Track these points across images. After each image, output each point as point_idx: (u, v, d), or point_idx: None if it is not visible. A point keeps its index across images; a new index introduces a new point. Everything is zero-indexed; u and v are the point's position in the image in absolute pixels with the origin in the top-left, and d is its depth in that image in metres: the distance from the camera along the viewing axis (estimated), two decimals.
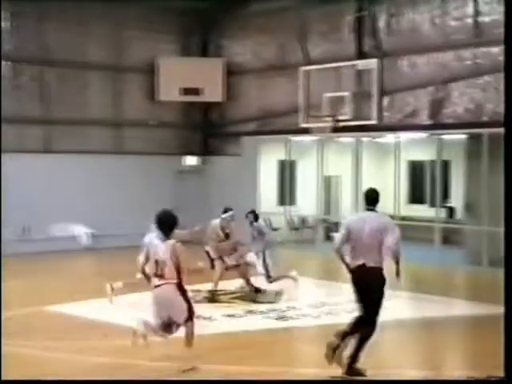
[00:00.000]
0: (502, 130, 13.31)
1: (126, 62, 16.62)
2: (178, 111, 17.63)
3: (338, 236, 6.44)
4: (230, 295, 10.21)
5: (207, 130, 18.19)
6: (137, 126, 16.84)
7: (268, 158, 17.41)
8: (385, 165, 18.38)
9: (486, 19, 12.92)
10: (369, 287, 6.30)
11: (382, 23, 14.54)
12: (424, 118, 14.05)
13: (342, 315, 9.22)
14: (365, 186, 15.51)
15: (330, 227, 18.40)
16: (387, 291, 8.50)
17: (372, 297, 6.32)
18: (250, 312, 9.21)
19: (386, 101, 14.50)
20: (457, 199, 16.74)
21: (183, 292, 6.48)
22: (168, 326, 6.50)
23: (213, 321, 8.75)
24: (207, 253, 10.36)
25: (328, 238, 18.05)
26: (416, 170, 18.92)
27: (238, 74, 17.19)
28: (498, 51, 12.73)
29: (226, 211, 10.68)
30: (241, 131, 17.33)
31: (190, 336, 6.52)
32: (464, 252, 14.01)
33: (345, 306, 9.71)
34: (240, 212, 16.23)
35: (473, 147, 13.91)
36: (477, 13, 13.00)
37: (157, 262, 6.40)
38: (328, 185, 18.17)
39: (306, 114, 14.91)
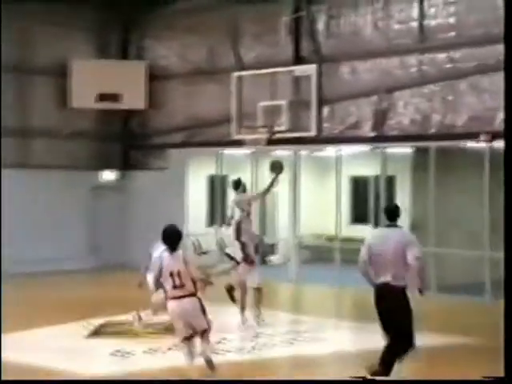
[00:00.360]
0: (449, 144, 13.67)
1: (33, 63, 16.17)
2: (94, 120, 17.29)
3: (360, 254, 6.87)
4: (155, 326, 9.94)
5: (127, 141, 17.91)
6: (46, 137, 16.39)
7: (197, 173, 17.28)
8: (325, 181, 18.54)
9: (431, 23, 13.28)
10: (394, 307, 6.72)
11: (321, 25, 14.72)
12: (367, 130, 14.26)
13: (278, 347, 9.11)
14: (304, 204, 15.88)
15: (266, 250, 18.40)
16: (327, 321, 8.44)
17: (400, 317, 6.72)
18: (176, 346, 8.99)
19: (325, 111, 14.65)
20: (403, 218, 16.98)
21: (201, 303, 7.24)
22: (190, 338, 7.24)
23: (130, 356, 8.49)
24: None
25: (264, 261, 18.04)
26: (359, 187, 19.15)
27: (163, 78, 17.03)
28: (444, 58, 13.12)
29: (237, 185, 10.71)
30: (166, 143, 17.14)
31: (208, 357, 7.21)
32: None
33: (281, 338, 9.62)
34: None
35: (419, 161, 14.20)
36: (422, 16, 13.34)
37: (172, 274, 7.13)
38: (263, 203, 18.17)
39: (239, 124, 14.91)
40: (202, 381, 7.12)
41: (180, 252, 7.24)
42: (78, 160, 16.84)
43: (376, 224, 16.30)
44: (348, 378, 6.70)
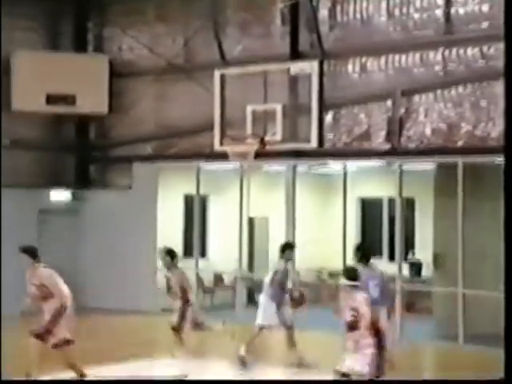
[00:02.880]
0: (481, 159, 13.72)
1: None
2: (43, 126, 17.35)
3: None
4: None
5: (83, 153, 17.94)
6: None
7: (170, 193, 17.34)
8: (328, 203, 18.64)
9: (460, 11, 13.45)
10: None
11: (323, 13, 14.89)
12: (379, 142, 14.37)
13: None
14: (301, 232, 15.94)
15: (255, 287, 18.42)
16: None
17: None
18: None
19: (328, 118, 14.78)
20: (424, 250, 17.13)
21: None
22: None
23: None
24: None
25: (252, 301, 18.05)
26: (369, 211, 19.26)
27: (128, 76, 17.11)
28: (475, 54, 13.27)
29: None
30: (131, 155, 17.20)
31: None
32: (434, 323, 14.28)
33: None
34: (132, 268, 16.01)
35: (444, 180, 14.32)
36: (448, 2, 13.51)
37: None
38: (251, 230, 18.23)
39: (222, 133, 14.98)
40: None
41: None
42: (22, 176, 16.84)
43: (391, 257, 16.39)
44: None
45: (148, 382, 8.56)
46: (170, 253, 12.06)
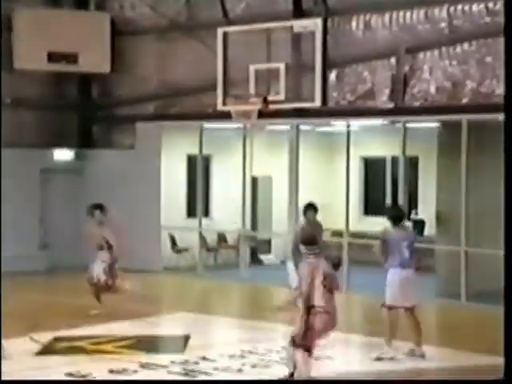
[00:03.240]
0: (486, 117, 13.72)
1: None
2: (45, 85, 17.31)
3: None
4: (115, 342, 10.12)
5: (86, 112, 17.94)
6: None
7: (173, 153, 17.36)
8: (331, 162, 18.67)
9: None
10: None
11: None
12: (383, 100, 14.33)
13: (274, 367, 9.26)
14: (304, 191, 15.98)
15: (258, 247, 18.53)
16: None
17: None
18: (146, 366, 9.15)
19: (332, 76, 14.72)
20: (427, 209, 17.18)
21: None
22: None
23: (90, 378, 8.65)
24: None
25: (255, 261, 18.17)
26: (373, 170, 19.28)
27: (130, 34, 17.03)
28: (480, 10, 13.17)
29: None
30: (134, 115, 17.18)
31: None
32: (435, 281, 14.36)
33: (277, 355, 9.76)
34: (135, 227, 16.07)
35: (448, 139, 14.31)
36: None
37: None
38: (254, 189, 18.28)
39: (225, 92, 14.97)
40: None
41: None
42: (25, 135, 16.85)
43: None
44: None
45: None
46: (99, 207, 12.17)
